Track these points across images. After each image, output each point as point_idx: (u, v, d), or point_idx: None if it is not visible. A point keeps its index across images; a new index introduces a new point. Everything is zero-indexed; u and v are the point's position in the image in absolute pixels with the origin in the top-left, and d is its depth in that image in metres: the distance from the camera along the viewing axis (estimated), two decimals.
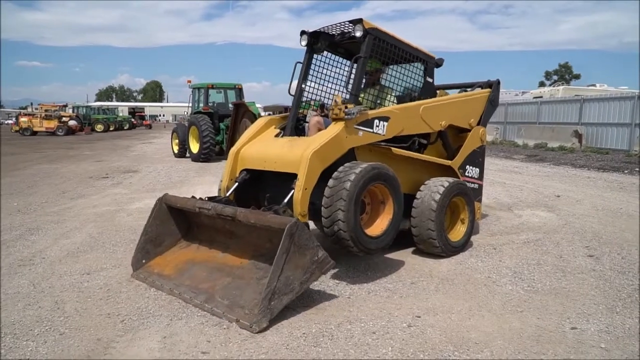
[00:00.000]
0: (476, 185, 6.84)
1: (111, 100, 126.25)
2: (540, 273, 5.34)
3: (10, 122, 66.04)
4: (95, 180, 12.95)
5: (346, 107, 4.98)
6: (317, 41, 5.89)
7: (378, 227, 5.08)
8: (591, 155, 18.51)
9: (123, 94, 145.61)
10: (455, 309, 4.36)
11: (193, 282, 4.68)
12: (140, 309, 4.35)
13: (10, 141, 31.20)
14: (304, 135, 5.79)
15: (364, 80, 6.06)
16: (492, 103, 6.93)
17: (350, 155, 5.26)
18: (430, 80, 6.28)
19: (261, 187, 5.66)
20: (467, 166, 6.67)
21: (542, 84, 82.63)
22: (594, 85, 40.49)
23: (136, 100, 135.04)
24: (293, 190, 4.81)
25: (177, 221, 5.44)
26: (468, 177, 6.68)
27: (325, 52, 6.15)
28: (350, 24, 5.48)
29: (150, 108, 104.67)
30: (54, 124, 39.70)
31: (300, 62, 6.06)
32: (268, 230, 4.44)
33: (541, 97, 31.63)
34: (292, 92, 6.06)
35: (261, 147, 5.63)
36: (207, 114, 17.98)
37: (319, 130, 5.48)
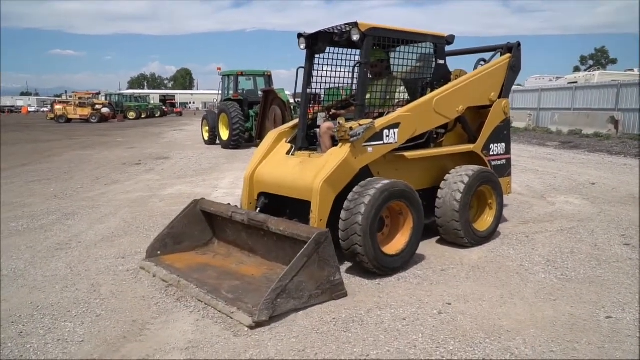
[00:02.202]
0: (503, 161, 6.57)
1: (143, 88, 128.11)
2: (574, 261, 5.25)
3: (45, 109, 67.63)
4: (128, 166, 13.19)
5: (351, 129, 4.81)
6: (316, 42, 5.63)
7: (399, 242, 5.00)
8: (628, 142, 17.98)
9: (154, 82, 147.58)
10: (486, 297, 4.32)
11: (201, 277, 4.65)
12: (174, 292, 4.44)
13: (46, 128, 31.98)
14: (316, 143, 5.65)
15: (369, 75, 5.96)
16: (514, 69, 6.44)
17: (365, 169, 5.15)
18: (441, 62, 5.95)
19: (281, 201, 5.45)
20: (492, 145, 6.36)
21: (577, 69, 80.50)
22: (632, 70, 39.21)
23: (167, 88, 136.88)
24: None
25: (202, 228, 5.52)
26: (494, 155, 6.42)
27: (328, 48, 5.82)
28: (347, 27, 5.22)
29: (180, 96, 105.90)
30: (88, 112, 40.47)
31: (303, 67, 5.84)
32: (291, 248, 4.38)
33: (576, 82, 30.80)
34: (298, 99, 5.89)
35: (274, 169, 5.49)
36: (237, 101, 18.07)
37: (332, 137, 5.29)
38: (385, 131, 5.08)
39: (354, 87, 5.40)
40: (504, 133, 6.51)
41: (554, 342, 3.52)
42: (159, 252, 5.25)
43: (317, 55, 5.82)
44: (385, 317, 3.92)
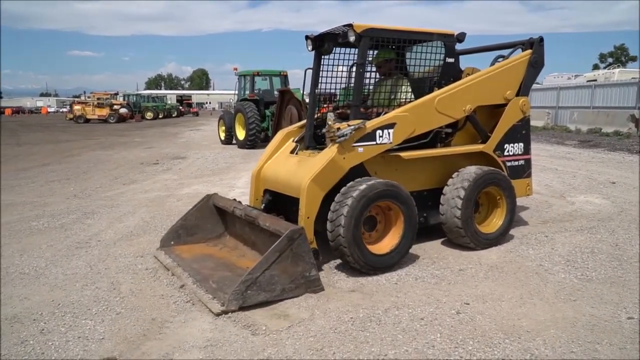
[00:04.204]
0: (522, 162, 6.36)
1: (160, 89, 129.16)
2: (595, 261, 5.18)
3: (64, 110, 68.52)
4: (146, 166, 13.31)
5: (338, 129, 4.82)
6: (323, 44, 5.65)
7: (393, 238, 5.03)
8: None
9: (171, 82, 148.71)
10: (505, 297, 4.28)
11: (199, 267, 4.90)
12: (192, 291, 4.46)
13: (66, 129, 32.41)
14: (324, 142, 5.58)
15: (375, 76, 6.01)
16: (535, 65, 6.15)
17: (361, 168, 5.16)
18: (451, 60, 5.79)
19: (289, 199, 5.42)
20: (506, 145, 6.13)
21: (596, 67, 79.23)
22: None
23: (183, 88, 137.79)
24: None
25: (214, 221, 5.77)
26: (509, 156, 6.19)
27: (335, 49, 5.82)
28: (344, 28, 5.20)
29: (197, 96, 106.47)
30: (106, 112, 40.95)
31: (311, 69, 5.88)
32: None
33: (595, 80, 30.36)
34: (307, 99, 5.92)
35: (277, 167, 5.66)
36: (253, 101, 18.12)
37: None
38: (379, 131, 5.04)
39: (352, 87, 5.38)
40: (522, 133, 6.27)
41: (574, 342, 3.48)
42: (172, 242, 5.54)
43: (324, 56, 5.85)
44: (403, 317, 3.90)
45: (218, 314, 3.92)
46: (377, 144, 5.06)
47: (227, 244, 5.62)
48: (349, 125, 4.87)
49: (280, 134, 6.05)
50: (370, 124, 5.01)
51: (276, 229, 4.46)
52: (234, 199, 5.70)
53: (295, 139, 5.89)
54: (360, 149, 4.98)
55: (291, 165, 5.46)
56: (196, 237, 5.66)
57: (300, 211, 4.80)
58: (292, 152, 5.78)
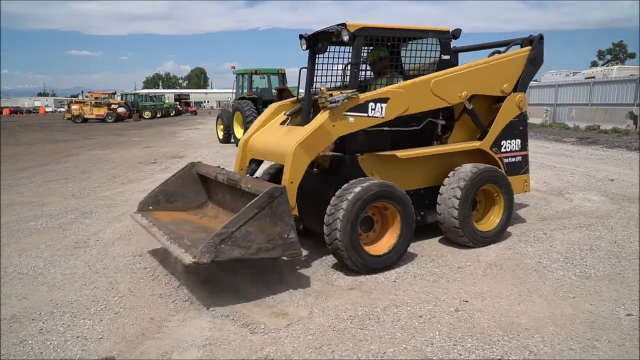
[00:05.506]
0: (519, 158, 6.37)
1: (157, 88, 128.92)
2: (593, 258, 5.18)
3: (62, 109, 68.40)
4: (144, 165, 13.29)
5: (331, 95, 4.82)
6: (317, 42, 5.64)
7: (390, 238, 5.02)
8: None
9: (169, 81, 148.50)
10: (504, 294, 4.29)
11: (175, 229, 4.73)
12: (191, 290, 4.47)
13: (64, 128, 32.34)
14: None
15: (370, 73, 6.01)
16: (534, 62, 6.18)
17: (356, 167, 5.18)
18: (446, 57, 5.80)
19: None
20: (503, 141, 6.12)
21: (594, 64, 79.37)
22: None
23: (181, 87, 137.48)
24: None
25: (196, 190, 5.62)
26: (506, 152, 6.19)
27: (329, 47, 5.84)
28: (338, 27, 5.20)
29: (195, 95, 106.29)
30: (104, 111, 40.85)
31: (305, 68, 5.87)
32: None
33: (593, 77, 30.34)
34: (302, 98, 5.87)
35: (265, 138, 5.60)
36: (251, 100, 18.10)
37: None
38: (371, 104, 5.05)
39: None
40: (519, 129, 6.28)
41: (573, 339, 3.48)
42: (150, 207, 5.37)
43: (319, 55, 5.84)
44: (402, 315, 3.91)
45: (188, 266, 3.84)
46: (368, 116, 5.06)
47: (208, 213, 5.50)
48: (341, 93, 4.87)
49: (272, 107, 6.04)
50: (364, 96, 5.02)
51: (257, 190, 4.28)
52: (218, 166, 5.59)
53: (287, 112, 5.87)
54: (352, 119, 4.98)
55: (280, 135, 5.40)
56: (176, 204, 5.48)
57: (284, 175, 4.71)
58: (282, 124, 5.73)
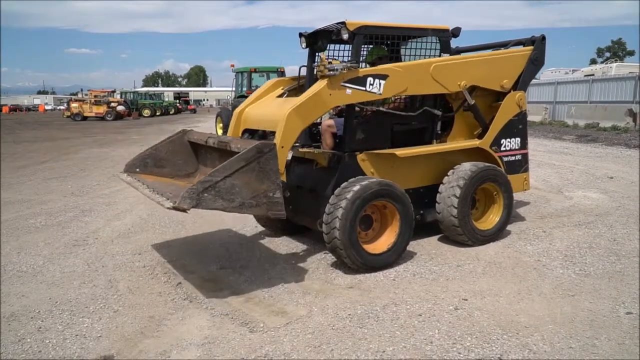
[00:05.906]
0: (518, 156, 6.37)
1: (157, 86, 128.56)
2: (593, 256, 5.18)
3: (62, 107, 68.34)
4: None
5: (330, 63, 4.79)
6: (317, 41, 5.62)
7: (389, 236, 5.02)
8: None
9: (168, 79, 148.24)
10: (503, 292, 4.28)
11: (159, 187, 4.65)
12: (190, 288, 4.46)
13: (63, 126, 32.29)
14: (319, 140, 5.62)
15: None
16: (535, 62, 6.19)
17: (355, 165, 5.16)
18: (446, 55, 5.77)
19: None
20: (503, 140, 6.11)
21: (593, 62, 79.21)
22: None
23: (181, 85, 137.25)
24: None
25: (186, 158, 5.54)
26: (506, 151, 6.17)
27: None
28: (337, 26, 5.16)
29: (194, 93, 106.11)
30: (103, 109, 40.79)
31: (305, 66, 5.84)
32: None
33: (593, 75, 30.32)
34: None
35: (260, 109, 5.57)
36: None
37: (333, 134, 5.34)
38: (370, 79, 5.00)
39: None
40: (518, 127, 6.28)
41: (572, 338, 3.48)
42: (137, 170, 5.28)
43: (317, 53, 5.77)
44: (401, 313, 3.90)
45: (169, 208, 3.77)
46: (366, 90, 5.01)
47: (194, 180, 5.35)
48: (340, 62, 4.84)
49: (270, 82, 6.02)
50: (363, 70, 5.01)
51: (248, 148, 4.10)
52: (210, 133, 5.53)
53: (285, 88, 5.86)
54: (349, 91, 4.93)
55: (276, 105, 5.37)
56: (164, 170, 5.38)
57: (275, 139, 4.61)
58: (279, 97, 5.72)
